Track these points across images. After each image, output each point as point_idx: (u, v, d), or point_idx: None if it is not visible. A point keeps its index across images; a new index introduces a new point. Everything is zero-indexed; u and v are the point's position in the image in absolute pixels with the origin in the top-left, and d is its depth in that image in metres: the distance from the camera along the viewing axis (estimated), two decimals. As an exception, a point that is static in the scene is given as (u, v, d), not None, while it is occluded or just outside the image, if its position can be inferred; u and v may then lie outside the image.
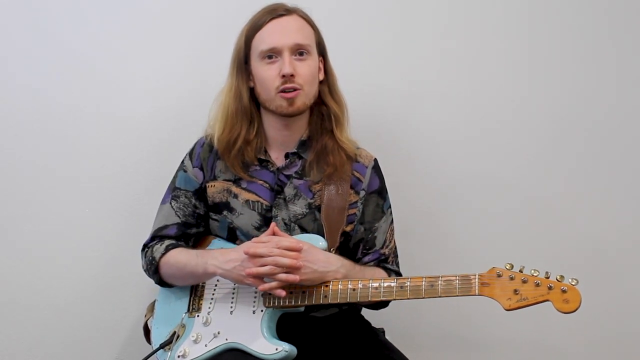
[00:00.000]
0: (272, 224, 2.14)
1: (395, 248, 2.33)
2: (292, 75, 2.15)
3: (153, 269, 2.23)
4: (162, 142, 2.64)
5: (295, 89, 2.16)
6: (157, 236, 2.27)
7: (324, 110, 2.27)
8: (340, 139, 2.26)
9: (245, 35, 2.23)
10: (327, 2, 2.58)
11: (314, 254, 2.09)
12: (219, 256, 2.13)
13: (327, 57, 2.29)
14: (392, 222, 2.33)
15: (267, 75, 2.18)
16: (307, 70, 2.19)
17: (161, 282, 2.24)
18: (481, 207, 2.71)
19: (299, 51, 2.18)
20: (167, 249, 2.22)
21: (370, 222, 2.28)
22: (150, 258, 2.23)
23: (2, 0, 2.62)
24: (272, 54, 2.18)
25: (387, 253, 2.29)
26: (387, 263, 2.29)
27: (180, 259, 2.19)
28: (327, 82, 2.27)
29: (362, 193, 2.27)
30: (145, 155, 2.65)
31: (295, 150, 2.26)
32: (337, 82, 2.30)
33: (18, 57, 2.62)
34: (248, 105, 2.24)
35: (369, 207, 2.28)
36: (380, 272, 2.24)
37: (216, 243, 2.27)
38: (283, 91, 2.16)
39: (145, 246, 2.28)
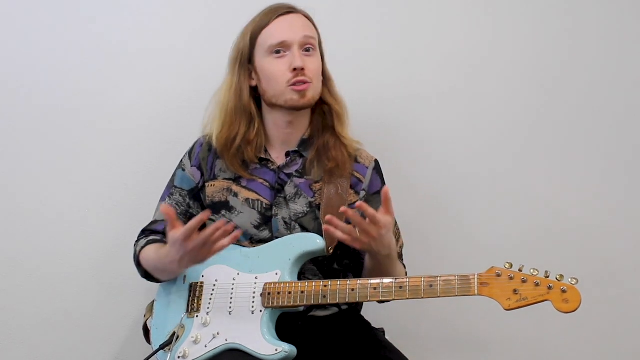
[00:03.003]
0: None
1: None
2: (302, 69, 2.17)
3: (136, 262, 2.26)
4: (162, 143, 2.64)
5: (305, 82, 2.18)
6: (147, 230, 2.30)
7: (325, 109, 2.29)
8: (341, 135, 2.27)
9: (251, 34, 2.24)
10: (328, 2, 2.59)
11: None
12: (164, 254, 2.10)
13: (324, 59, 2.30)
14: (396, 222, 2.30)
15: (276, 69, 2.19)
16: (315, 65, 2.22)
17: (147, 275, 2.24)
18: (481, 206, 2.70)
19: (306, 47, 2.21)
20: (148, 243, 2.23)
21: None
22: (135, 251, 2.26)
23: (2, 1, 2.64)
24: (280, 49, 2.19)
25: (399, 252, 2.29)
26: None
27: (151, 255, 2.19)
28: (325, 83, 2.28)
29: (362, 193, 2.27)
30: (146, 155, 2.65)
31: (296, 149, 2.27)
32: (334, 84, 2.31)
33: (19, 56, 2.63)
34: (248, 103, 2.25)
35: (373, 209, 2.26)
36: (402, 267, 2.26)
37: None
38: (294, 84, 2.18)
39: (136, 240, 2.31)
